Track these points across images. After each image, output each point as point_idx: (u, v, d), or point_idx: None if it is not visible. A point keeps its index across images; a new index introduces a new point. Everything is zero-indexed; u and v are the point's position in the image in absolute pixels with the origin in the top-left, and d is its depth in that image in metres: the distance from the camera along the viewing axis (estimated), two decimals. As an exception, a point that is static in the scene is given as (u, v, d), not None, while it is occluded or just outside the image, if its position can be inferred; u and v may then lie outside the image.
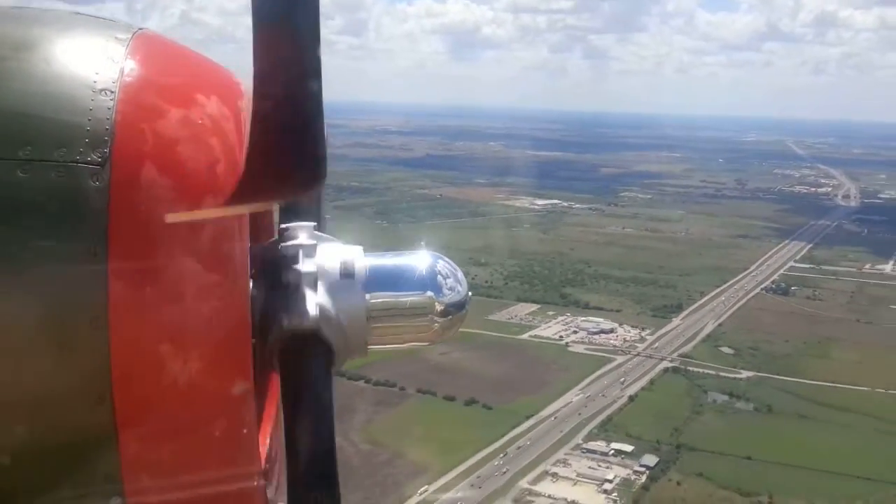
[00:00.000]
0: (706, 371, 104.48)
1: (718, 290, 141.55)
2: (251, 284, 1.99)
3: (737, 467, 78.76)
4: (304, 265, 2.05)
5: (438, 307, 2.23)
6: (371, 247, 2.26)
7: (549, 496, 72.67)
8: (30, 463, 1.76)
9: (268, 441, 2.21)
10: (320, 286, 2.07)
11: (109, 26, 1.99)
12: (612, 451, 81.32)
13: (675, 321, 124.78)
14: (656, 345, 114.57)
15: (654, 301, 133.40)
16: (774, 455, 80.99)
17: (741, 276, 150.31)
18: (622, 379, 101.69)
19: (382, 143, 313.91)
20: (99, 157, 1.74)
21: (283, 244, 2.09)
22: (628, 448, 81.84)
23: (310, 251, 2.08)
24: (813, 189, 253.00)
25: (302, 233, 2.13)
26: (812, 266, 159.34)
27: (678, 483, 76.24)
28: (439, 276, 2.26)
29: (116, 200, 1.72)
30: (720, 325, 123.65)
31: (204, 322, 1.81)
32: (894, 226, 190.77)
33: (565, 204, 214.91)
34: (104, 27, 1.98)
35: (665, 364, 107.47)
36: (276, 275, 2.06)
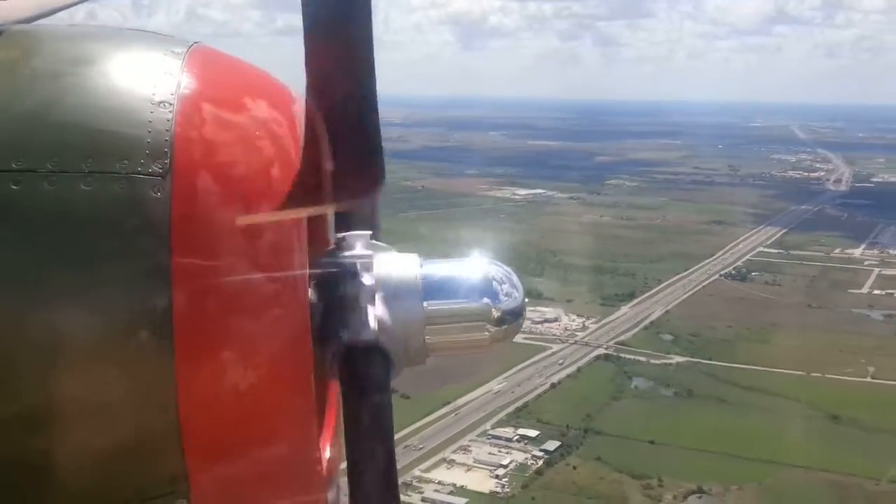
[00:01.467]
0: (638, 358, 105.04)
1: (677, 277, 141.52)
2: (310, 293, 2.06)
3: (637, 451, 79.60)
4: (362, 274, 2.07)
5: (495, 314, 2.23)
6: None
7: (439, 482, 74.00)
8: (97, 471, 1.81)
9: (328, 448, 2.27)
10: (378, 295, 2.10)
11: (165, 41, 2.06)
12: (517, 437, 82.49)
13: (624, 309, 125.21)
14: (597, 333, 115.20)
15: (608, 289, 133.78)
16: (680, 439, 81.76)
17: (705, 262, 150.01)
18: (560, 362, 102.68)
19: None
20: (160, 169, 1.78)
21: (340, 252, 2.12)
22: (533, 434, 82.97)
23: (367, 259, 2.10)
24: (805, 174, 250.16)
25: (358, 241, 2.14)
26: (780, 251, 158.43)
27: (574, 468, 77.30)
28: (495, 281, 2.26)
29: (178, 211, 1.76)
30: (667, 312, 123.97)
31: (265, 330, 1.85)
32: (877, 210, 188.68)
33: (548, 193, 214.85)
34: (160, 41, 2.05)
35: (600, 352, 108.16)
36: (333, 283, 2.08)
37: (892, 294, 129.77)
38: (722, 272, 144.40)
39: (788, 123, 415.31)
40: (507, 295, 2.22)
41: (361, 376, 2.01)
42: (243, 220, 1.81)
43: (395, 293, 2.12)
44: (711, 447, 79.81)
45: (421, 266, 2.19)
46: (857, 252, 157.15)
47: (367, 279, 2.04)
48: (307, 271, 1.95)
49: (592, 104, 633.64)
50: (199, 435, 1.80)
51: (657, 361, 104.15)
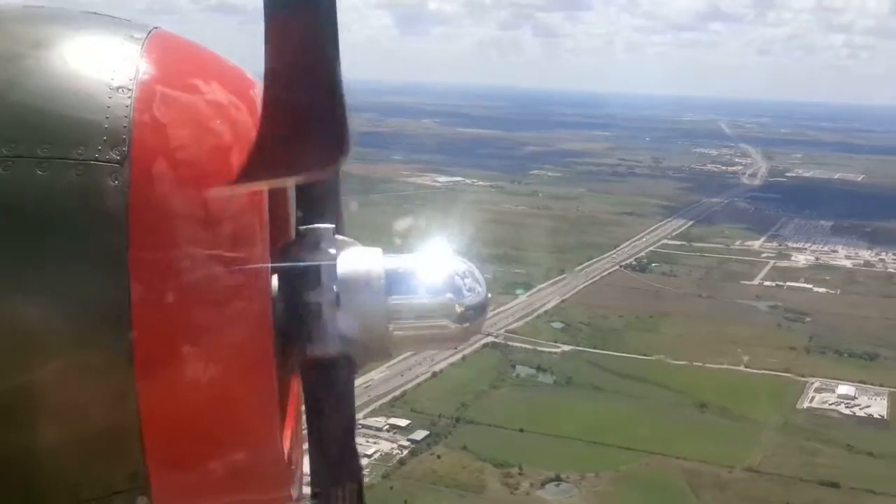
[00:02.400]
0: (525, 346, 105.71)
1: (580, 266, 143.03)
2: (273, 287, 1.98)
3: (505, 440, 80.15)
4: (325, 268, 1.99)
5: (458, 309, 2.17)
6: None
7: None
8: (53, 468, 1.74)
9: (289, 437, 2.18)
10: (342, 291, 2.02)
11: (125, 25, 2.00)
12: (387, 427, 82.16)
13: (522, 297, 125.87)
14: (491, 321, 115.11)
15: (509, 278, 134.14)
16: (549, 427, 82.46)
17: (609, 253, 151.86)
18: (455, 347, 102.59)
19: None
20: (117, 156, 1.72)
21: (303, 245, 2.04)
22: (404, 423, 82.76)
23: (330, 253, 2.02)
24: (724, 168, 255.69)
25: (321, 233, 2.06)
26: (683, 243, 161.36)
27: (438, 457, 77.40)
28: (457, 276, 2.20)
29: (135, 198, 1.71)
30: (563, 300, 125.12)
31: (226, 320, 1.79)
32: (784, 204, 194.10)
33: (468, 181, 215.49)
34: (120, 26, 1.99)
35: (489, 340, 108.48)
36: (296, 276, 2.00)
37: (781, 286, 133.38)
38: (623, 263, 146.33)
39: (718, 118, 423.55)
40: (469, 290, 2.20)
41: (323, 378, 1.98)
42: (203, 199, 1.75)
43: (358, 288, 2.06)
44: (579, 435, 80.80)
45: (384, 260, 2.16)
46: (756, 244, 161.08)
47: (328, 272, 1.98)
48: (269, 264, 1.89)
49: (530, 93, 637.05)
50: (159, 430, 1.75)
51: (544, 349, 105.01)
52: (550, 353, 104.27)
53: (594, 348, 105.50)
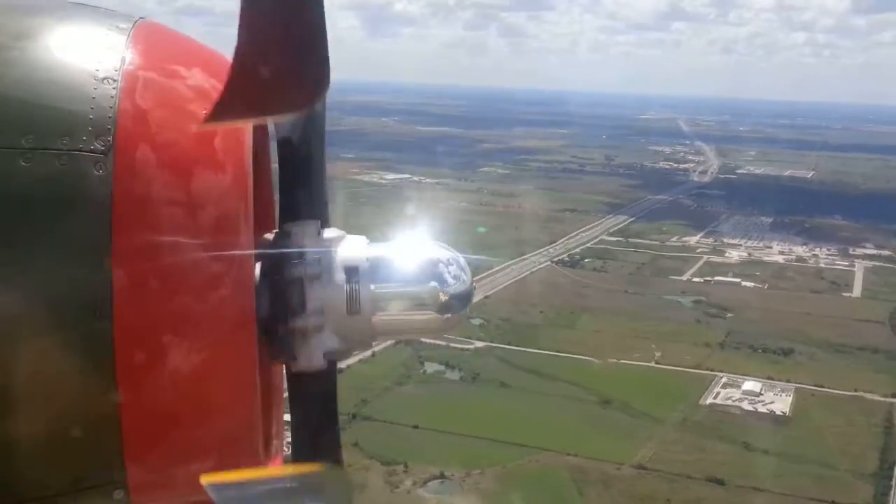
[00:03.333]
0: (438, 343, 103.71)
1: (511, 262, 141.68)
2: (256, 275, 1.96)
3: (398, 437, 78.68)
4: (309, 259, 1.98)
5: (443, 297, 2.22)
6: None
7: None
8: (31, 459, 1.72)
9: (273, 424, 2.18)
10: (325, 280, 2.01)
11: (110, 16, 1.99)
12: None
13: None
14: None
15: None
16: (445, 424, 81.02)
17: (544, 249, 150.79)
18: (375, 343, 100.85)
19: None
20: (102, 146, 1.72)
21: (288, 237, 2.02)
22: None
23: (314, 243, 2.01)
24: (675, 165, 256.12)
25: (306, 225, 2.04)
26: (620, 239, 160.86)
27: (326, 454, 75.66)
28: (441, 264, 2.26)
29: (120, 189, 1.70)
30: (487, 296, 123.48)
31: (209, 311, 1.79)
32: (727, 200, 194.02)
33: (416, 178, 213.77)
34: (105, 17, 1.98)
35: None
36: (280, 266, 1.99)
37: (709, 281, 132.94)
38: (556, 258, 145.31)
39: (676, 116, 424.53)
40: (454, 278, 2.27)
41: (309, 376, 2.00)
42: (186, 183, 1.74)
43: (342, 277, 2.05)
44: (473, 432, 79.43)
45: (369, 248, 2.19)
46: (693, 240, 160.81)
47: (313, 262, 1.96)
48: (252, 251, 1.89)
49: (494, 92, 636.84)
50: (138, 421, 1.74)
51: (457, 346, 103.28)
52: (462, 349, 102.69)
53: (508, 344, 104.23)
